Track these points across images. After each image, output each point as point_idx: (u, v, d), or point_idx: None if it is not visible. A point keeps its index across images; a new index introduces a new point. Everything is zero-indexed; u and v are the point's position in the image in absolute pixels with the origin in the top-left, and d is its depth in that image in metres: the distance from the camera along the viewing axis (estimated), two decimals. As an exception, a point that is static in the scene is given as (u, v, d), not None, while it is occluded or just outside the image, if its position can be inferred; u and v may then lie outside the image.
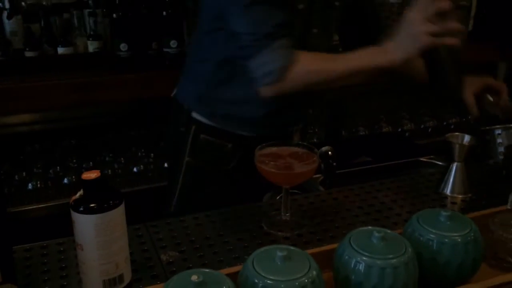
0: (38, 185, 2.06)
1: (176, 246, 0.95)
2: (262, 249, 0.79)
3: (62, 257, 0.92)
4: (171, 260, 0.91)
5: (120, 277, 0.81)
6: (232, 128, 1.32)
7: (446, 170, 1.16)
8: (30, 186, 2.05)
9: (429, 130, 2.74)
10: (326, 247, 0.88)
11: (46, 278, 0.86)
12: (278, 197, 1.22)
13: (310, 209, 1.10)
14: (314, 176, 1.40)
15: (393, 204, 1.12)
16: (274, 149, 1.01)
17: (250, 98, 1.24)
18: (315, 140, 2.36)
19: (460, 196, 1.14)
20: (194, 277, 0.70)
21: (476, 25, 2.53)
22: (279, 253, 0.76)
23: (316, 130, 2.39)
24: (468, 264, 0.83)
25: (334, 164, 1.27)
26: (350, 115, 2.53)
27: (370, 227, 0.83)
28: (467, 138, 1.12)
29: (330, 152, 1.28)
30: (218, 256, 0.93)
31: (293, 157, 0.97)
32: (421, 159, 1.52)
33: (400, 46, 1.11)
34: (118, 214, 0.79)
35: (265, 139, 1.13)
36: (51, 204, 1.99)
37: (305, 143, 1.01)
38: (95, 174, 0.78)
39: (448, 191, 1.14)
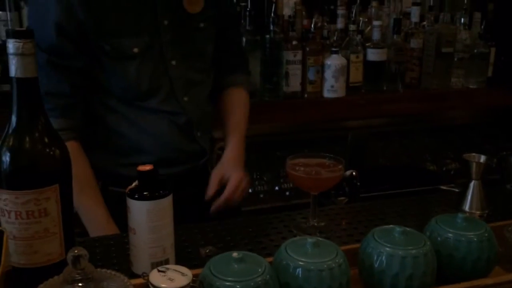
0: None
1: (214, 244, 1.04)
2: (294, 238, 0.88)
3: (113, 248, 1.02)
4: (209, 254, 1.00)
5: (166, 261, 0.91)
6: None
7: (465, 189, 1.24)
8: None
9: (452, 172, 2.80)
10: (352, 245, 0.96)
11: (99, 264, 0.96)
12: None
13: (336, 218, 1.18)
14: (339, 198, 1.49)
15: (414, 217, 1.20)
16: (303, 160, 1.10)
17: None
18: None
19: (478, 212, 1.21)
20: (235, 254, 0.79)
21: (495, 71, 2.62)
22: (310, 240, 0.85)
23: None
24: (482, 260, 0.90)
25: (358, 184, 1.36)
26: (372, 155, 2.61)
27: (392, 225, 0.92)
28: (483, 157, 1.21)
29: (354, 173, 1.37)
30: (252, 252, 1.01)
31: (320, 166, 1.07)
32: (442, 187, 1.60)
33: None
34: (167, 202, 0.89)
35: (177, 179, 1.19)
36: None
37: (331, 155, 1.11)
38: (149, 167, 0.89)
39: (466, 207, 1.22)
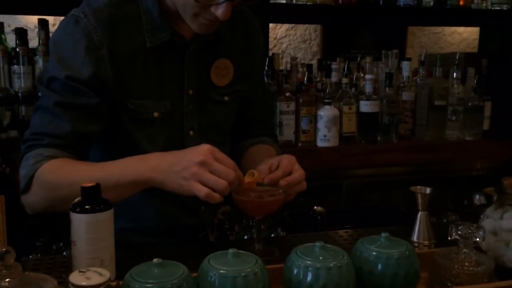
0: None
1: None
2: (217, 252, 0.94)
3: (64, 265, 1.10)
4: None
5: (104, 272, 0.98)
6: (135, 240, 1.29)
7: (414, 220, 1.28)
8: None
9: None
10: (281, 264, 1.01)
11: (48, 272, 1.04)
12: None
13: (285, 245, 1.23)
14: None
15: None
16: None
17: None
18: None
19: (426, 242, 1.24)
20: (155, 260, 0.86)
21: (492, 125, 2.64)
22: (231, 251, 0.91)
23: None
24: (400, 277, 0.94)
25: (319, 218, 1.41)
26: (368, 203, 2.62)
27: (314, 243, 0.96)
28: (428, 189, 1.25)
29: (316, 208, 1.43)
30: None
31: (262, 191, 1.14)
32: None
33: (167, 174, 1.08)
34: (106, 217, 0.98)
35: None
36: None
37: (273, 185, 1.15)
38: (92, 184, 0.98)
39: (415, 238, 1.25)
